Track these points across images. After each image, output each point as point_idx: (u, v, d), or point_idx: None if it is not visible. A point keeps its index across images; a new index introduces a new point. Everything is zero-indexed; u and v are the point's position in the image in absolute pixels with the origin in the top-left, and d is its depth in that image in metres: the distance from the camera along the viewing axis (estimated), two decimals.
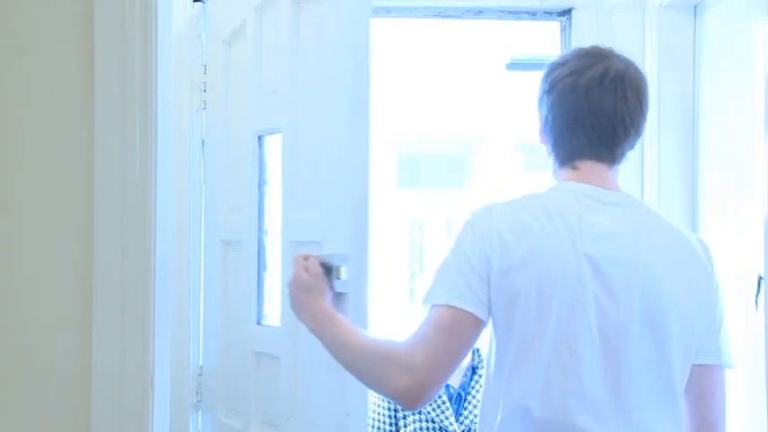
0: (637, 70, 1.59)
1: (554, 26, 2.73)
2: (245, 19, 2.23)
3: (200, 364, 2.46)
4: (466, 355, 1.51)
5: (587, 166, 1.56)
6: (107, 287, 1.55)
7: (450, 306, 1.45)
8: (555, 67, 1.60)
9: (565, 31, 2.69)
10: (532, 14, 2.71)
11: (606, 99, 1.54)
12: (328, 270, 1.71)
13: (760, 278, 1.93)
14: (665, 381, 1.48)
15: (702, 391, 1.52)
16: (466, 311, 1.45)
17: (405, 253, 9.53)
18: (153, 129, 1.56)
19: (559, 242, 1.46)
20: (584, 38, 2.62)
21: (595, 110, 1.54)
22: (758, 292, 1.95)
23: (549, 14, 2.71)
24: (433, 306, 1.47)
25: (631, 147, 1.59)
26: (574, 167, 1.57)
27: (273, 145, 2.17)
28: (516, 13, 2.72)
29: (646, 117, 1.59)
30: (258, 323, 2.16)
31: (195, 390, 2.45)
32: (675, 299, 1.48)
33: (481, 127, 9.06)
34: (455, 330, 1.45)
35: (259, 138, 2.20)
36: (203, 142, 2.47)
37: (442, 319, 1.45)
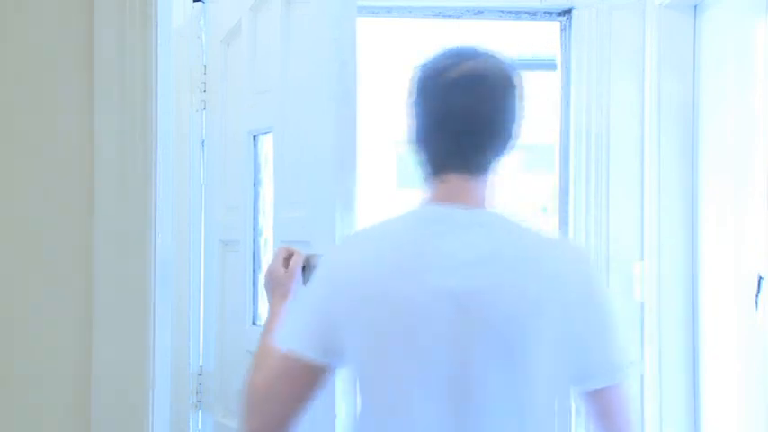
0: (504, 70, 1.43)
1: (554, 26, 2.74)
2: (241, 19, 2.24)
3: (200, 364, 2.46)
4: (309, 400, 1.40)
5: (452, 181, 1.42)
6: (107, 287, 1.55)
7: (291, 351, 1.36)
8: (420, 67, 1.45)
9: (565, 31, 2.69)
10: (532, 14, 2.72)
11: (465, 101, 1.40)
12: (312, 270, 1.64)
13: (760, 278, 1.93)
14: (525, 414, 1.34)
15: (603, 412, 1.40)
16: (305, 358, 1.35)
17: None
18: (153, 129, 1.56)
19: (410, 278, 1.34)
20: (584, 38, 2.62)
21: (454, 114, 1.40)
22: (758, 292, 1.94)
23: (549, 14, 2.71)
24: (280, 349, 1.38)
25: (500, 155, 1.43)
26: (439, 182, 1.42)
27: (267, 144, 2.18)
28: (516, 13, 2.72)
29: (517, 121, 1.44)
30: (253, 323, 2.16)
31: (195, 390, 2.46)
32: (540, 324, 1.33)
33: None
34: (294, 377, 1.37)
35: (254, 137, 2.21)
36: (203, 142, 2.48)
37: (282, 365, 1.37)
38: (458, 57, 1.43)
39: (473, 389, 1.33)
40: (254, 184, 2.21)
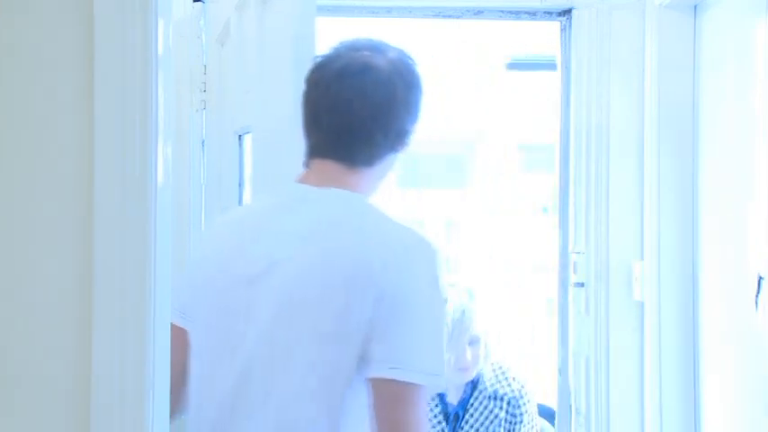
0: (394, 65, 1.43)
1: (554, 26, 2.74)
2: (229, 18, 2.24)
3: None
4: (183, 371, 1.45)
5: (317, 165, 1.44)
6: (106, 287, 1.55)
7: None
8: (315, 59, 1.49)
9: (565, 31, 2.69)
10: (532, 14, 2.72)
11: (344, 94, 1.41)
12: None
13: (760, 278, 1.93)
14: (286, 407, 1.34)
15: (376, 404, 1.32)
16: (172, 321, 1.43)
17: None
18: (153, 129, 1.56)
19: (238, 249, 1.41)
20: (583, 38, 2.62)
21: (331, 107, 1.42)
22: (758, 292, 1.94)
23: (549, 14, 2.71)
24: None
25: (381, 149, 1.44)
26: (308, 167, 1.45)
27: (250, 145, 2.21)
28: (516, 13, 2.72)
29: (400, 117, 1.44)
30: None
31: None
32: (325, 302, 1.32)
33: (481, 127, 9.07)
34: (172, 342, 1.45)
35: (239, 137, 2.22)
36: (203, 142, 2.48)
37: None
38: (347, 49, 1.45)
39: (253, 359, 1.37)
40: (240, 184, 2.22)
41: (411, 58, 1.47)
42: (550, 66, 2.90)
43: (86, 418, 1.55)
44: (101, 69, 1.55)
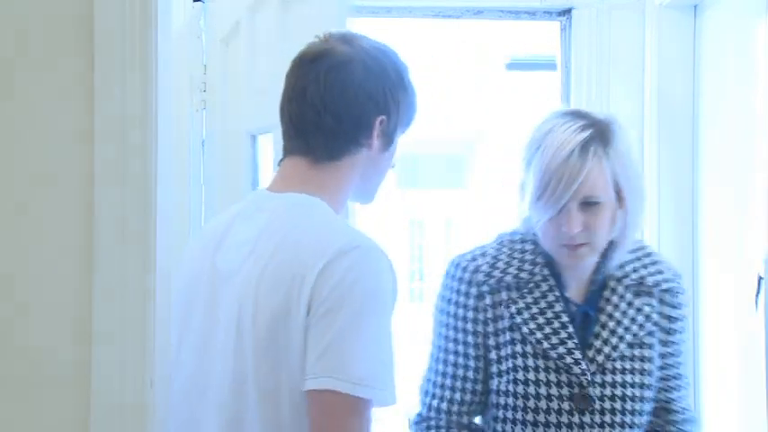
0: (354, 52, 1.39)
1: (554, 26, 2.74)
2: (240, 19, 2.24)
3: None
4: None
5: (286, 165, 1.42)
6: (107, 287, 1.55)
7: None
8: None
9: (565, 30, 2.69)
10: (532, 14, 2.72)
11: (300, 82, 1.39)
12: None
13: (760, 278, 1.93)
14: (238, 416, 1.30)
15: (312, 423, 1.25)
16: None
17: (404, 253, 9.55)
18: (153, 129, 1.56)
19: (202, 258, 1.39)
20: (583, 38, 2.62)
21: (290, 97, 1.40)
22: (758, 292, 1.94)
23: (548, 14, 2.71)
24: None
25: (339, 139, 1.38)
26: (280, 166, 1.43)
27: (267, 144, 2.18)
28: (516, 13, 2.72)
29: (358, 104, 1.38)
30: None
31: None
32: (262, 311, 1.28)
33: (481, 127, 9.08)
34: None
35: (252, 137, 2.21)
36: (203, 142, 2.48)
37: None
38: (319, 40, 1.42)
39: (209, 371, 1.34)
40: (253, 184, 2.21)
41: (388, 52, 1.44)
42: (550, 66, 2.90)
43: (86, 419, 1.56)
44: (101, 69, 1.55)
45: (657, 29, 2.49)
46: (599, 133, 1.52)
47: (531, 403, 1.55)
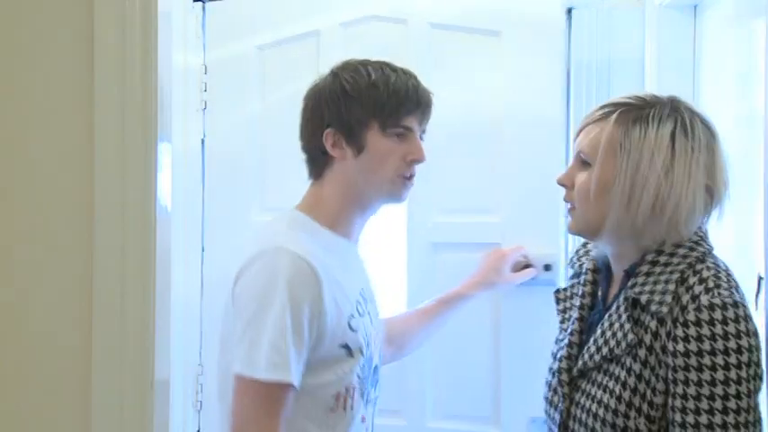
0: (318, 85, 1.66)
1: None
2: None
3: (199, 363, 2.46)
4: None
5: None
6: (107, 286, 1.55)
7: None
8: None
9: (565, 30, 2.68)
10: None
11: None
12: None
13: (760, 278, 1.93)
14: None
15: None
16: None
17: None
18: (153, 128, 1.56)
19: None
20: (583, 38, 2.62)
21: None
22: (758, 292, 1.94)
23: None
24: None
25: (309, 162, 1.67)
26: None
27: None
28: None
29: (304, 129, 1.67)
30: None
31: (196, 390, 2.46)
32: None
33: None
34: None
35: None
36: (203, 142, 2.48)
37: None
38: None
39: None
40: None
41: (346, 67, 1.64)
42: None
43: (89, 419, 1.56)
44: (101, 69, 1.56)
45: (657, 29, 2.48)
46: (637, 108, 1.49)
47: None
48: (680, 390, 1.36)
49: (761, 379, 1.38)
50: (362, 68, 1.61)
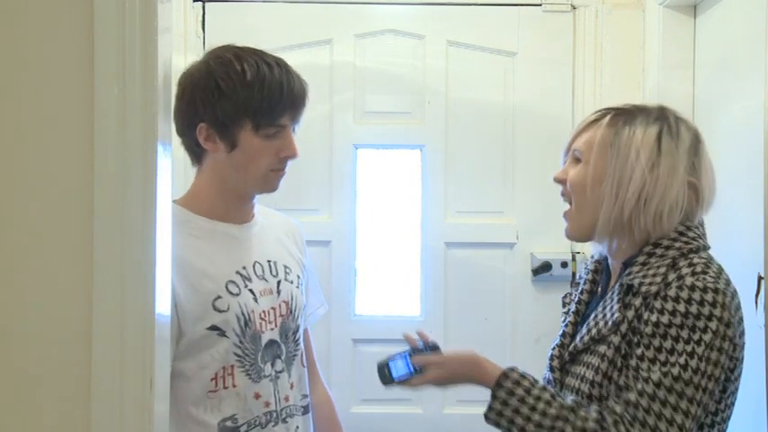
0: (192, 74, 1.69)
1: None
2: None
3: None
4: None
5: None
6: (107, 286, 1.55)
7: None
8: None
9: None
10: None
11: None
12: None
13: (760, 278, 1.93)
14: None
15: None
16: None
17: None
18: (153, 129, 1.56)
19: None
20: (584, 37, 2.62)
21: None
22: (758, 292, 1.95)
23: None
24: None
25: (186, 149, 1.72)
26: None
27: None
28: None
29: (177, 120, 1.71)
30: None
31: None
32: None
33: None
34: None
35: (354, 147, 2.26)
36: None
37: None
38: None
39: None
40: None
41: (221, 60, 1.67)
42: None
43: (87, 419, 1.56)
44: (101, 69, 1.55)
45: (657, 28, 2.49)
46: (627, 112, 1.57)
47: None
48: (638, 352, 1.43)
49: (727, 369, 1.49)
50: (237, 63, 1.62)
